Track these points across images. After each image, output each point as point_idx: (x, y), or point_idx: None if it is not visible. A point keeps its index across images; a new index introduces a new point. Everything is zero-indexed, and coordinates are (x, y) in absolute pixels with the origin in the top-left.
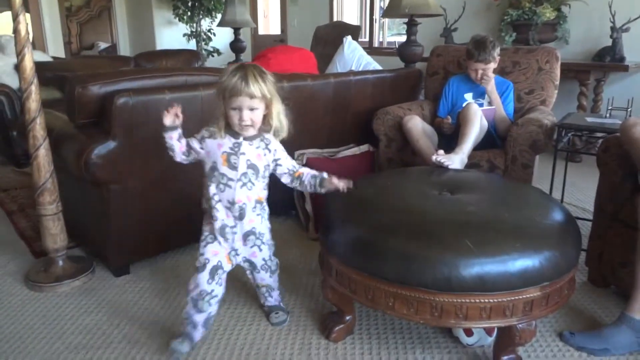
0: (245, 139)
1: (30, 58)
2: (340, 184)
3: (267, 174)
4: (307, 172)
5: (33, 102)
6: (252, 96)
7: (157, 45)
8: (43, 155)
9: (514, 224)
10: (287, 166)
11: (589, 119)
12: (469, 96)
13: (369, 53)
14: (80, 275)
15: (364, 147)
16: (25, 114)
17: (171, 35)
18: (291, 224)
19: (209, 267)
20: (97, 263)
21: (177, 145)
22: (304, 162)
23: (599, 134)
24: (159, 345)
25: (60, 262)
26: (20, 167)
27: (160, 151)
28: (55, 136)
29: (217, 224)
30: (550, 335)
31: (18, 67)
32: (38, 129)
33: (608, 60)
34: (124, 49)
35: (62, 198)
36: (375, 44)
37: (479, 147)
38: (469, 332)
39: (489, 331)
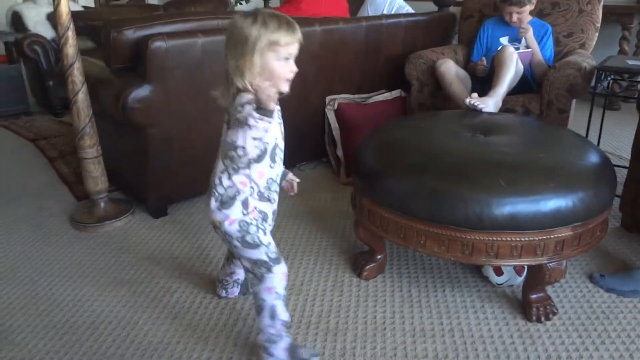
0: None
1: (66, 3)
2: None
3: None
4: None
5: (70, 48)
6: (299, 43)
7: None
8: (82, 100)
9: (548, 165)
10: None
11: (631, 62)
12: (504, 40)
13: None
14: (121, 217)
15: (396, 93)
16: (63, 59)
17: None
18: (322, 170)
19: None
20: (137, 205)
21: None
22: (336, 107)
23: None
24: (196, 279)
25: (102, 204)
26: (58, 117)
27: (194, 94)
28: (93, 82)
29: (273, 207)
30: (581, 277)
31: (54, 13)
32: (76, 74)
33: None
34: None
35: (102, 145)
36: None
37: (513, 91)
38: (498, 272)
39: (518, 271)
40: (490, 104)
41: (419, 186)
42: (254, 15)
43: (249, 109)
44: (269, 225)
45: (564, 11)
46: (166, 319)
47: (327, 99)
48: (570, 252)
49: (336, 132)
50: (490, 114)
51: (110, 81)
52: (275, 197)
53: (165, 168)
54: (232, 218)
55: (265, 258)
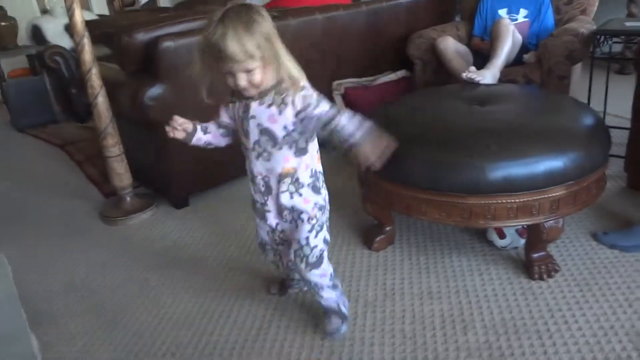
0: (254, 98)
1: (80, 13)
2: (372, 157)
3: (296, 135)
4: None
5: (87, 54)
6: (238, 61)
7: None
8: (102, 103)
9: (539, 129)
10: (316, 114)
11: (629, 24)
12: (503, 12)
13: None
14: (147, 209)
15: (401, 73)
16: (81, 66)
17: None
18: (336, 154)
19: (260, 242)
20: (160, 198)
21: (208, 138)
22: (342, 91)
23: None
24: (216, 262)
25: (128, 199)
26: (83, 122)
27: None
28: (110, 85)
29: (252, 199)
30: (585, 235)
31: (70, 23)
32: (94, 79)
33: None
34: (164, 1)
35: (124, 144)
36: None
37: (516, 62)
38: (501, 235)
39: (521, 233)
40: (487, 76)
41: (418, 157)
42: (222, 12)
43: None
44: (257, 215)
45: None
46: (191, 299)
47: (334, 84)
48: (567, 209)
49: None
50: (488, 85)
51: (126, 83)
52: (251, 189)
53: (184, 162)
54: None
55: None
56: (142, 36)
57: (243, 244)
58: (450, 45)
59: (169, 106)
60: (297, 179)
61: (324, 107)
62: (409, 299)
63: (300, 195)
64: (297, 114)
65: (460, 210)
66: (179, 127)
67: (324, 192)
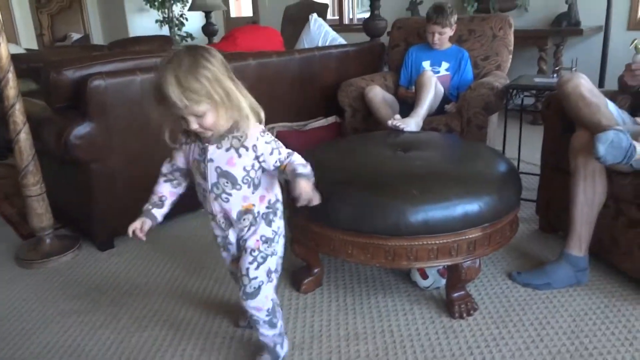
0: (211, 142)
1: (5, 47)
2: (305, 195)
3: (253, 175)
4: (294, 162)
5: (11, 89)
6: (181, 107)
7: (130, 33)
8: (24, 139)
9: (458, 174)
10: (272, 163)
11: (537, 80)
12: (426, 64)
13: (338, 30)
14: (68, 252)
15: (331, 119)
16: (4, 101)
17: (143, 22)
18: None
19: (230, 272)
20: (83, 240)
21: (169, 204)
22: (274, 134)
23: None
24: (140, 307)
25: (48, 240)
26: (2, 159)
27: (136, 129)
28: (35, 121)
29: (214, 234)
30: (501, 275)
31: None
32: (17, 115)
33: (564, 25)
34: (97, 39)
35: (46, 183)
36: (346, 21)
37: (438, 112)
38: (424, 276)
39: (442, 274)
40: (411, 124)
41: (344, 200)
42: (169, 57)
43: None
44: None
45: (480, 37)
46: (112, 344)
47: (266, 127)
48: (482, 250)
49: None
50: (412, 132)
51: (52, 120)
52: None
53: (110, 202)
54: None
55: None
56: (71, 74)
57: (169, 288)
58: (378, 94)
59: (97, 145)
60: (256, 213)
61: (282, 154)
62: (335, 341)
63: (256, 229)
64: (256, 158)
65: (384, 252)
66: (142, 233)
67: (279, 222)
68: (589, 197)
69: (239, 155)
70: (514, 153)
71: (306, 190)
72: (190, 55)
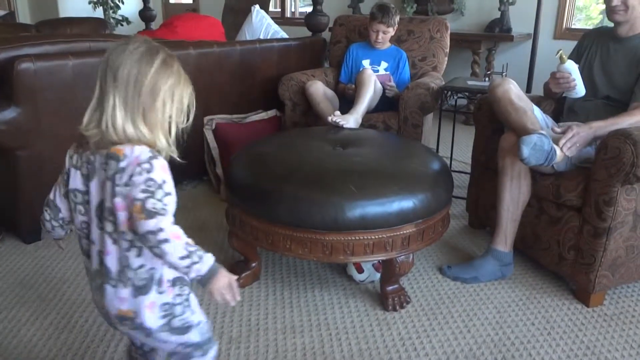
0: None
1: None
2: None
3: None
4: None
5: None
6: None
7: (61, 13)
8: None
9: (393, 172)
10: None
11: (470, 82)
12: (366, 62)
13: (280, 23)
14: None
15: (271, 112)
16: None
17: (75, 3)
18: (203, 188)
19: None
20: (7, 231)
21: None
22: (213, 127)
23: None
24: (69, 302)
25: None
26: None
27: (67, 115)
28: None
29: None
30: (432, 269)
31: None
32: None
33: (497, 31)
34: (24, 18)
35: None
36: (288, 14)
37: (377, 109)
38: (360, 270)
39: (377, 268)
40: (350, 120)
41: (282, 194)
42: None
43: None
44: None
45: (418, 38)
46: (39, 342)
47: (205, 119)
48: (416, 245)
49: (215, 151)
50: (351, 129)
51: None
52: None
53: (37, 191)
54: (151, 301)
55: (197, 339)
56: None
57: None
58: (319, 89)
59: (23, 131)
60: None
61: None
62: (272, 334)
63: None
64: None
65: (322, 247)
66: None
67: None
68: (514, 196)
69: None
70: (447, 152)
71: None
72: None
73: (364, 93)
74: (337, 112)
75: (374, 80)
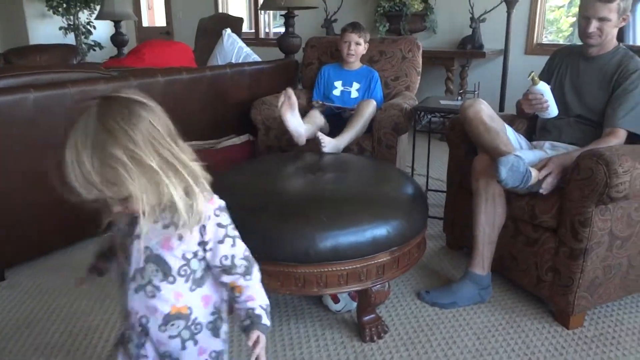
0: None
1: None
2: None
3: (195, 269)
4: (250, 296)
5: None
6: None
7: (31, 40)
8: None
9: (366, 199)
10: (219, 257)
11: (443, 102)
12: (338, 84)
13: (254, 44)
14: None
15: (244, 137)
16: None
17: (46, 29)
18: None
19: None
20: None
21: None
22: None
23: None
24: (37, 342)
25: None
26: None
27: (30, 149)
28: None
29: (122, 335)
30: (410, 295)
31: None
32: None
33: (469, 47)
34: None
35: None
36: (262, 35)
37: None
38: (335, 300)
39: (353, 297)
40: (330, 145)
41: (253, 227)
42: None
43: None
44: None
45: (390, 58)
46: None
47: None
48: (391, 274)
49: None
50: (325, 154)
51: None
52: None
53: (2, 229)
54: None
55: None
56: None
57: (67, 324)
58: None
59: None
60: (193, 321)
61: (238, 252)
62: None
63: (196, 343)
64: (202, 244)
65: (294, 279)
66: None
67: (225, 328)
68: (489, 219)
69: (180, 237)
70: (424, 170)
71: (262, 352)
72: (102, 124)
73: (356, 123)
74: (320, 134)
75: (372, 114)
